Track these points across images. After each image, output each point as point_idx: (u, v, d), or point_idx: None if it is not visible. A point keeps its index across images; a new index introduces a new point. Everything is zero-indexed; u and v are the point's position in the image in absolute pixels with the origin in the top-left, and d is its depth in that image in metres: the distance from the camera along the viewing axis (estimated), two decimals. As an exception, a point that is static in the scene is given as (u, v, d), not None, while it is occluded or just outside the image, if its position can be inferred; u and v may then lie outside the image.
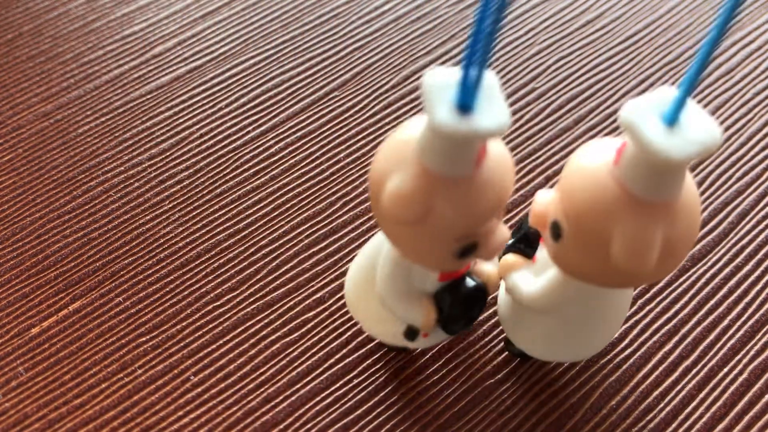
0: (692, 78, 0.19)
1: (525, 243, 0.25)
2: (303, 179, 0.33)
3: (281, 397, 0.27)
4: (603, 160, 0.21)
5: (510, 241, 0.26)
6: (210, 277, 0.30)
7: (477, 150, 0.20)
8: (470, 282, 0.24)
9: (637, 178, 0.20)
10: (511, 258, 0.25)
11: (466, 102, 0.19)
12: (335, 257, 0.31)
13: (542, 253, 0.25)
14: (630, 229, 0.20)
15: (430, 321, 0.24)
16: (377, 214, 0.22)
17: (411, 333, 0.25)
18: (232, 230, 0.32)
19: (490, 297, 0.27)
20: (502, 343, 0.28)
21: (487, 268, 0.25)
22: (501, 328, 0.29)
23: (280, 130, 0.35)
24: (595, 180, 0.21)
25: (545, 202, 0.23)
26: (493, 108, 0.19)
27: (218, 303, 0.30)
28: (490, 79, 0.20)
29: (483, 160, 0.21)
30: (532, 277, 0.25)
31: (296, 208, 0.32)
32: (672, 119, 0.19)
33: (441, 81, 0.20)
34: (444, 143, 0.20)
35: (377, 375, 0.28)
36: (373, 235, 0.31)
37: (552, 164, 0.33)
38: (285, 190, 0.33)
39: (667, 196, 0.20)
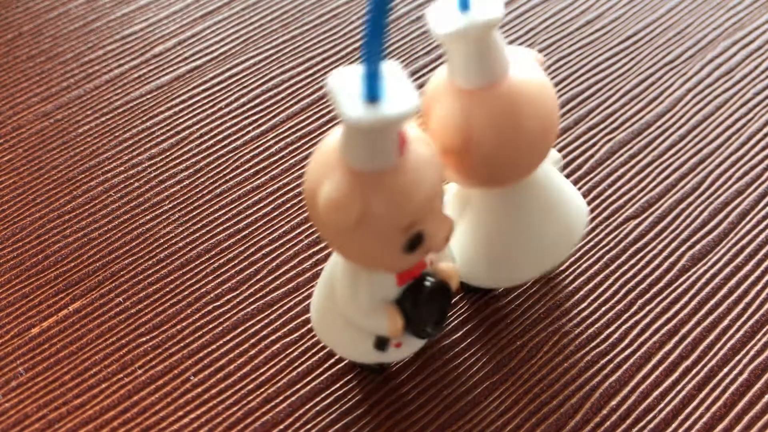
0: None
1: None
2: (303, 179, 0.33)
3: (281, 397, 0.27)
4: None
5: None
6: (210, 277, 0.30)
7: (395, 138, 0.21)
8: (429, 280, 0.24)
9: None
10: None
11: (372, 93, 0.20)
12: (335, 257, 0.31)
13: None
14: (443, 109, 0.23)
15: (397, 326, 0.24)
16: (319, 226, 0.22)
17: (381, 343, 0.25)
18: (232, 230, 0.32)
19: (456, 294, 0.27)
20: (502, 343, 0.28)
21: (445, 265, 0.25)
22: (499, 327, 0.29)
23: (280, 130, 0.35)
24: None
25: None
26: (400, 94, 0.20)
27: (218, 303, 0.30)
28: (395, 69, 0.20)
29: (405, 147, 0.21)
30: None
31: (296, 208, 0.32)
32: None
33: (346, 79, 0.20)
34: (360, 138, 0.20)
35: (377, 375, 0.28)
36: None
37: (552, 164, 0.33)
38: (285, 190, 0.33)
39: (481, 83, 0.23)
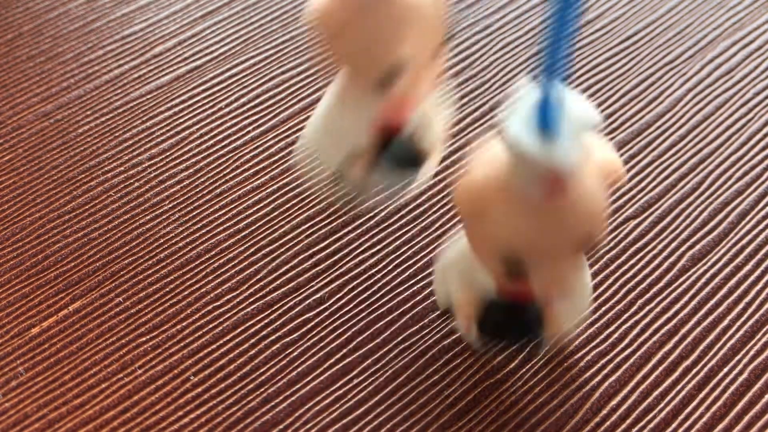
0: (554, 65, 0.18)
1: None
2: (303, 179, 0.33)
3: (281, 397, 0.27)
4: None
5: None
6: (210, 277, 0.30)
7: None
8: (402, 141, 0.24)
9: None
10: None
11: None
12: (335, 257, 0.31)
13: None
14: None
15: (360, 165, 0.25)
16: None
17: (339, 177, 0.26)
18: (232, 230, 0.32)
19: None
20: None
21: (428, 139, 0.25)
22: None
23: (280, 130, 0.35)
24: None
25: None
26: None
27: (218, 303, 0.30)
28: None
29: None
30: None
31: (296, 208, 0.32)
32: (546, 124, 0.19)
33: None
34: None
35: (377, 375, 0.28)
36: (374, 233, 0.31)
37: (552, 164, 0.33)
38: (285, 190, 0.33)
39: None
